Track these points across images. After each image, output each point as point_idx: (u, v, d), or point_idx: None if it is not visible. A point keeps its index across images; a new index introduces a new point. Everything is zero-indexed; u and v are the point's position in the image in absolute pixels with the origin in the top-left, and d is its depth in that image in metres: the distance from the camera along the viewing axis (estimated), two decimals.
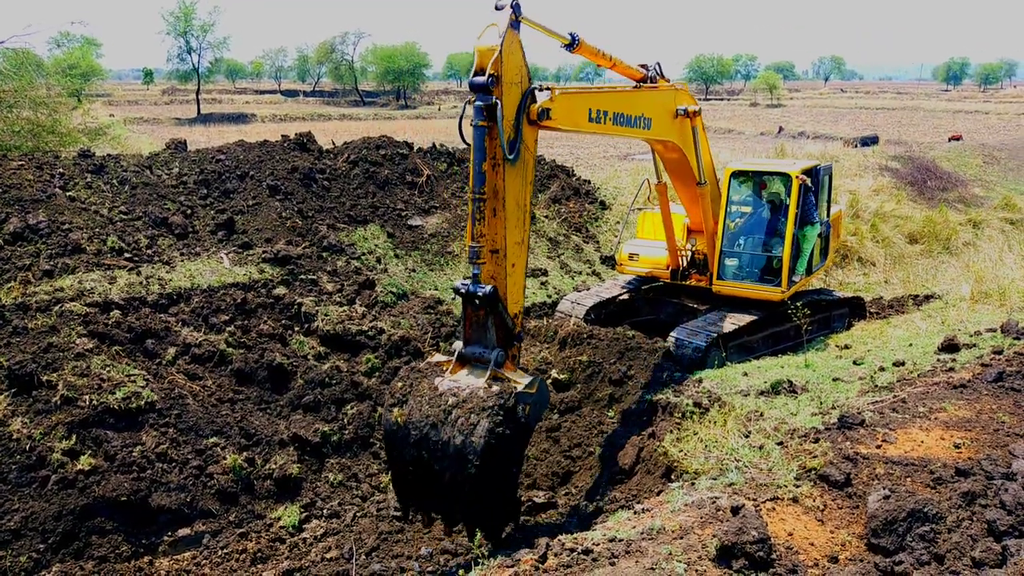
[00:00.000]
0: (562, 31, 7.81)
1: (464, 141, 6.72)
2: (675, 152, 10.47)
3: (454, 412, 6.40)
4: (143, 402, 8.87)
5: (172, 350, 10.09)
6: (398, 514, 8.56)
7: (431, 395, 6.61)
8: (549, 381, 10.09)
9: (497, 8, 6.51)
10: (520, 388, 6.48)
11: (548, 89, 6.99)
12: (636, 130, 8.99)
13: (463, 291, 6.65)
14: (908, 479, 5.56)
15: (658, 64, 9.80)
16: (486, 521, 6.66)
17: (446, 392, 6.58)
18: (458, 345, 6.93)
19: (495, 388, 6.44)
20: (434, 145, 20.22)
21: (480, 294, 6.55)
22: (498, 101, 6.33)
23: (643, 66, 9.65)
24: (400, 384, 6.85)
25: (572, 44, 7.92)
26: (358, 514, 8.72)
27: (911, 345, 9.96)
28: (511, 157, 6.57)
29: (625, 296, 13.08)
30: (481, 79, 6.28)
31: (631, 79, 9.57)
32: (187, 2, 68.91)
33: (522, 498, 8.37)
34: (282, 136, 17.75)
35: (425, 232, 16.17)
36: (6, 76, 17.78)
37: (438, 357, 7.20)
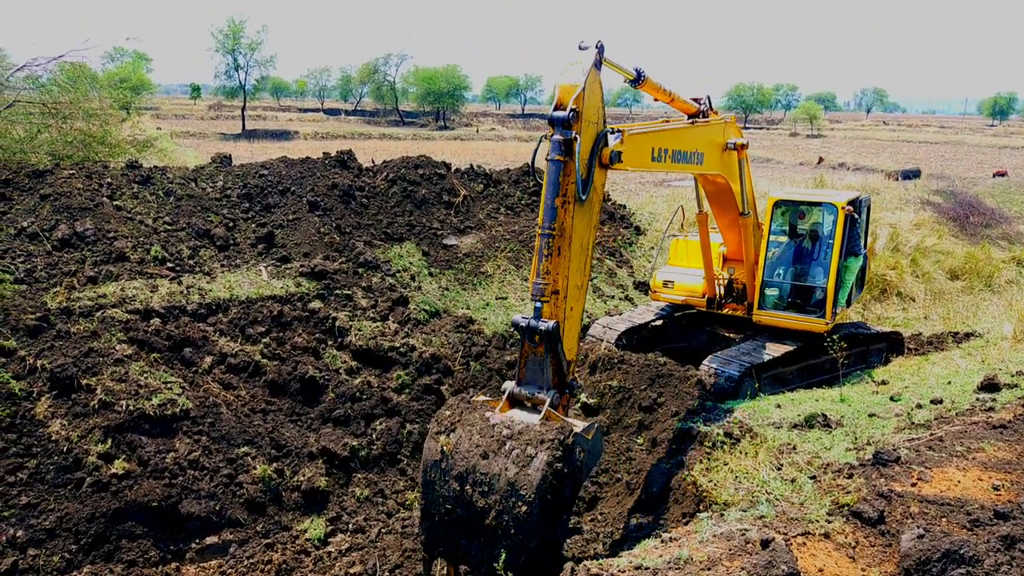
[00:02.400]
0: (628, 67, 7.84)
1: (536, 178, 6.74)
2: (721, 183, 10.44)
3: (508, 443, 6.06)
4: (178, 409, 9.02)
5: (208, 359, 10.27)
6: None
7: (482, 425, 6.29)
8: (578, 405, 10.06)
9: (581, 48, 6.62)
10: (579, 430, 6.28)
11: (619, 131, 7.00)
12: (691, 165, 8.99)
13: (523, 325, 6.45)
14: (943, 519, 5.43)
15: (708, 98, 9.81)
16: (528, 570, 5.91)
17: (499, 424, 6.28)
18: (509, 385, 6.68)
19: (554, 424, 6.19)
20: (471, 166, 20.41)
21: (542, 328, 6.34)
22: (577, 136, 6.38)
23: (696, 100, 9.64)
24: (448, 413, 6.55)
25: (637, 80, 7.93)
26: (383, 530, 8.74)
27: (950, 383, 9.75)
28: (583, 197, 6.57)
29: (658, 322, 13.01)
30: (562, 113, 6.34)
31: (685, 113, 9.55)
32: (236, 21, 70.75)
33: None
34: (323, 153, 18.06)
35: (459, 252, 16.28)
36: (63, 88, 18.36)
37: (483, 398, 6.90)
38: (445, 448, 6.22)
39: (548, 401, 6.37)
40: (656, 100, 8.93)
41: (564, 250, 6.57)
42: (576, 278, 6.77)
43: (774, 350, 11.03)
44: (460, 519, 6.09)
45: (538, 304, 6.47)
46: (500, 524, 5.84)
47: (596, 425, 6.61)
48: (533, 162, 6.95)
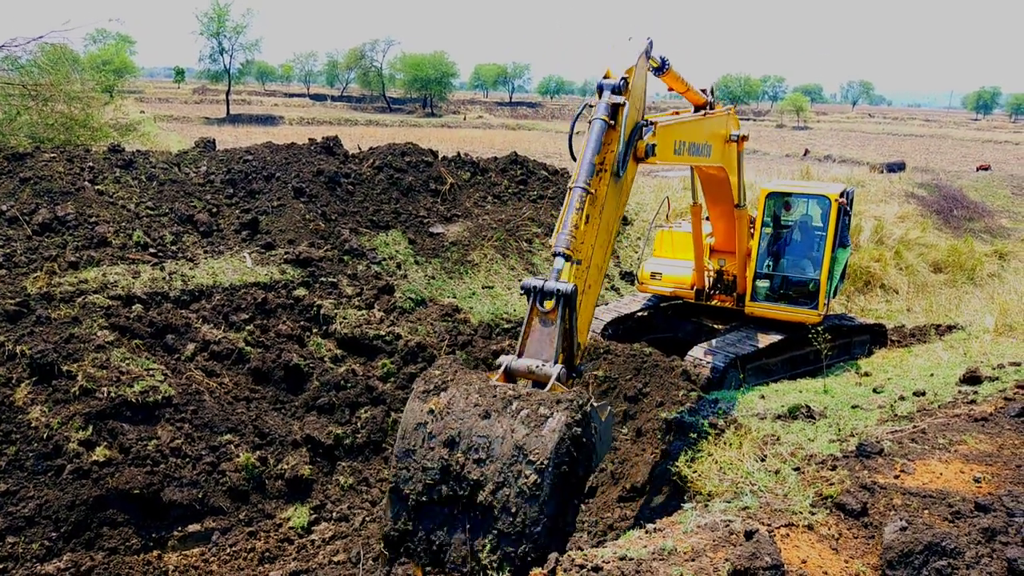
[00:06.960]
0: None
1: (572, 155, 6.53)
2: (721, 175, 10.27)
3: (515, 403, 4.93)
4: (160, 396, 8.94)
5: (191, 346, 10.17)
6: None
7: (481, 384, 5.21)
8: None
9: (629, 39, 6.91)
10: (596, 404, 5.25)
11: (651, 123, 6.92)
12: (702, 158, 8.83)
13: (536, 287, 5.49)
14: (926, 511, 5.46)
15: (712, 88, 9.57)
16: (526, 560, 4.65)
17: (501, 387, 5.20)
18: (506, 359, 5.55)
19: (567, 392, 5.10)
20: (459, 154, 20.30)
21: (560, 290, 5.40)
22: (626, 102, 6.37)
23: (703, 90, 9.34)
24: (439, 372, 5.41)
25: (661, 69, 7.71)
26: (367, 519, 8.72)
27: (932, 375, 9.82)
28: (621, 174, 6.42)
29: (644, 313, 13.02)
30: (612, 81, 6.43)
31: (694, 104, 9.32)
32: (221, 4, 69.87)
33: None
34: (309, 139, 17.90)
35: (446, 240, 16.21)
36: (43, 70, 18.09)
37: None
38: (435, 407, 5.04)
39: (555, 375, 5.27)
40: (670, 90, 8.75)
41: (594, 218, 6.05)
42: (599, 255, 6.26)
43: (758, 341, 11.07)
44: (443, 498, 4.86)
45: (557, 265, 5.65)
46: (498, 501, 4.66)
47: (610, 408, 5.68)
48: (571, 142, 6.74)
